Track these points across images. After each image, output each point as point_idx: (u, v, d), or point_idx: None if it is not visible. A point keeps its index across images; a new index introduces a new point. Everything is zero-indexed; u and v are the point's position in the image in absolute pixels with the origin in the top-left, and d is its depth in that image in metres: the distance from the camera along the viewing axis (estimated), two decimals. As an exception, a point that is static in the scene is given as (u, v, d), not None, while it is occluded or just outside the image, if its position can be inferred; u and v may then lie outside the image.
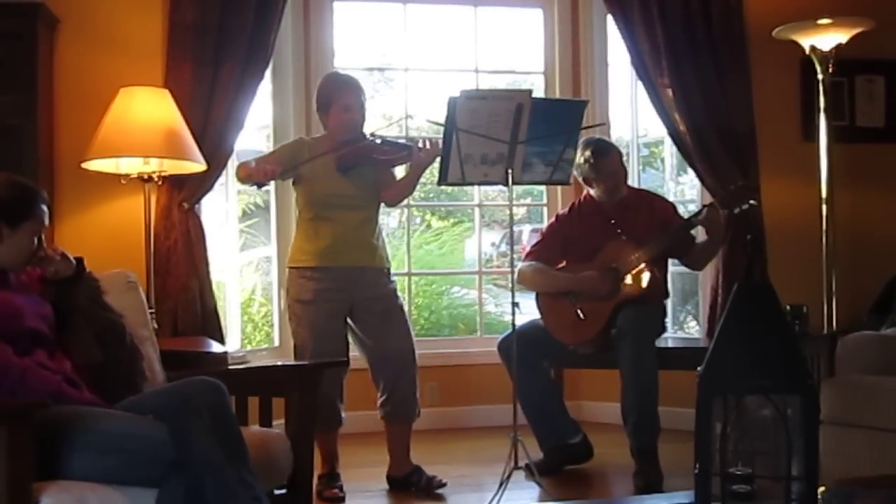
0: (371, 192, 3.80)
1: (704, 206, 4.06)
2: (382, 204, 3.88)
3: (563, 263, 4.09)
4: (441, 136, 3.55)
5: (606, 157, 4.01)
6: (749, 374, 1.83)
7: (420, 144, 3.71)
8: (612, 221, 4.02)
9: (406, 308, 4.13)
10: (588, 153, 4.01)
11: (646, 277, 3.89)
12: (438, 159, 3.59)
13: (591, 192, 4.10)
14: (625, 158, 4.25)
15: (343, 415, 3.79)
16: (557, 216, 4.26)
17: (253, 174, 3.59)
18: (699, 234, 4.10)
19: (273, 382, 2.94)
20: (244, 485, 2.28)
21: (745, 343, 1.86)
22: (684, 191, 5.37)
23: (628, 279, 3.90)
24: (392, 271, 3.90)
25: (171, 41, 4.24)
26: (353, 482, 3.81)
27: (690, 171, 4.83)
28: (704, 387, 1.86)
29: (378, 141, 3.74)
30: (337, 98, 3.75)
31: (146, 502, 2.23)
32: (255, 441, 2.51)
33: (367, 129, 3.79)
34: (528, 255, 4.16)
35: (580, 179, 4.10)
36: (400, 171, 3.92)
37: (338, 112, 3.75)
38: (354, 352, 3.82)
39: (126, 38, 4.28)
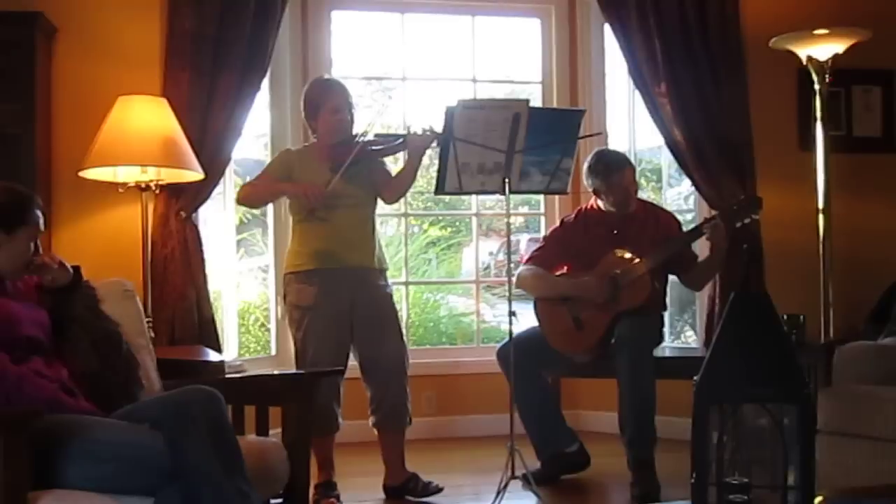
0: (367, 191, 3.80)
1: (706, 219, 4.04)
2: (380, 204, 3.87)
3: (564, 270, 4.08)
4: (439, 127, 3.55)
5: (619, 173, 3.97)
6: (745, 383, 1.83)
7: (414, 130, 3.69)
8: (616, 232, 4.01)
9: (402, 317, 4.12)
10: (601, 166, 3.99)
11: (645, 288, 3.88)
12: (436, 169, 3.60)
13: (600, 203, 4.08)
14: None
15: (340, 419, 3.78)
16: (562, 221, 4.23)
17: (303, 200, 3.59)
18: (700, 253, 4.10)
19: (270, 391, 2.94)
20: (240, 494, 2.27)
21: (741, 352, 1.86)
22: (681, 200, 5.38)
23: (627, 288, 3.89)
24: (389, 279, 3.89)
25: (169, 50, 4.25)
26: (350, 491, 3.80)
27: (685, 181, 4.83)
28: (701, 396, 1.86)
29: (370, 137, 3.73)
30: (325, 101, 3.76)
31: (142, 511, 2.23)
32: (251, 450, 2.50)
33: (357, 129, 3.79)
34: (529, 260, 4.15)
35: (590, 190, 4.08)
36: (394, 169, 3.91)
37: (327, 115, 3.76)
38: (352, 360, 3.81)
39: (124, 46, 4.28)
